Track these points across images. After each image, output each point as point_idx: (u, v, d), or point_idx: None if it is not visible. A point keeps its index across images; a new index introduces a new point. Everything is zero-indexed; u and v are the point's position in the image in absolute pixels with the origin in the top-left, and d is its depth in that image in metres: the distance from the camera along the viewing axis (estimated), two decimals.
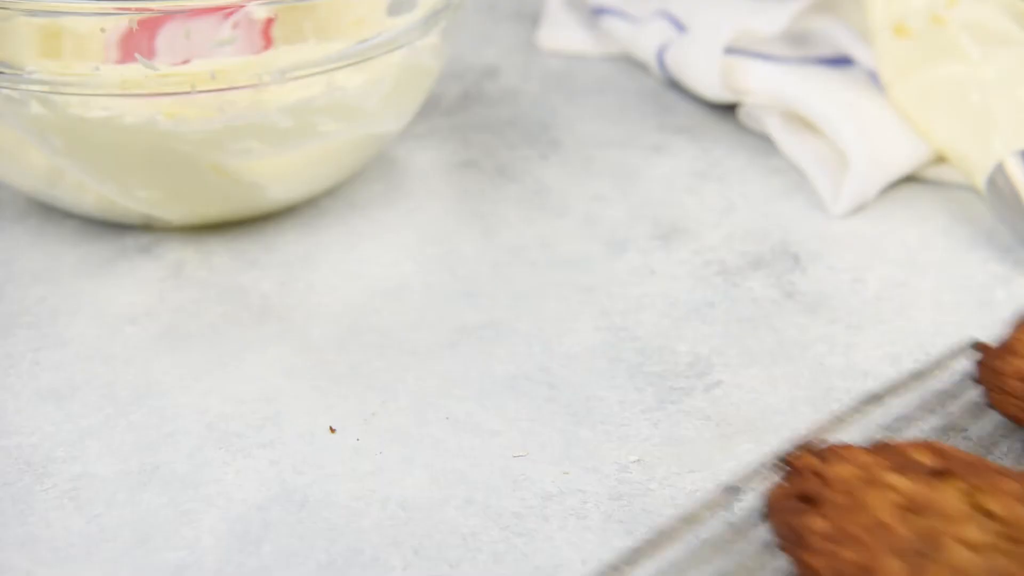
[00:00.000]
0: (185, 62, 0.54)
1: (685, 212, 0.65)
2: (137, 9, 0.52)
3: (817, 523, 0.37)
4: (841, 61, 0.75)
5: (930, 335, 0.55)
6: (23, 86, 0.53)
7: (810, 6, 0.76)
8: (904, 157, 0.68)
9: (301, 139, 0.59)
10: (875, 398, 0.45)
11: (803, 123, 0.72)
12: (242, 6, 0.54)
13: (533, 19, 0.94)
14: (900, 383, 0.46)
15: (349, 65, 0.57)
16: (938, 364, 0.48)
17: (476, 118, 0.78)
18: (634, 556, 0.38)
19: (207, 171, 0.58)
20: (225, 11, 0.54)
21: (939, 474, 0.39)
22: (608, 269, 0.60)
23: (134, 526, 0.44)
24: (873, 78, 0.73)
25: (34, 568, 0.42)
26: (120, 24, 0.53)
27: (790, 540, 0.37)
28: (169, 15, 0.53)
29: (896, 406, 0.47)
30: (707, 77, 0.76)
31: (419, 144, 0.74)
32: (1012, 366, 0.45)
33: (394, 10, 0.60)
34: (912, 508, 0.37)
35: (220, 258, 0.61)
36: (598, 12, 0.87)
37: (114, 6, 0.52)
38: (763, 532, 0.40)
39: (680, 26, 0.80)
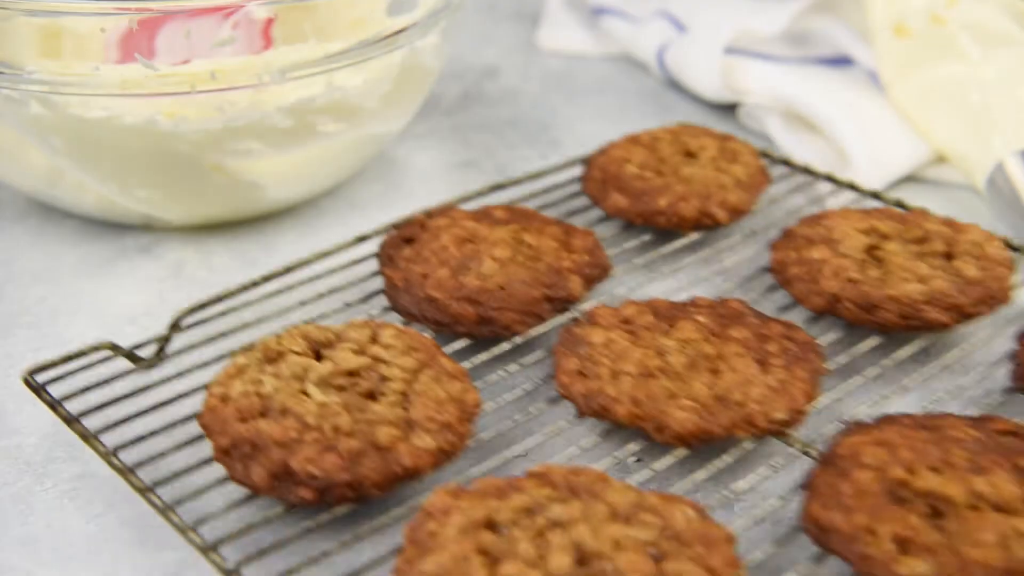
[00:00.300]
0: (185, 62, 0.54)
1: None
2: (137, 9, 0.52)
3: (405, 252, 0.54)
4: (841, 61, 0.75)
5: None
6: (23, 86, 0.53)
7: (810, 6, 0.76)
8: (904, 157, 0.68)
9: (301, 139, 0.59)
10: (499, 185, 0.62)
11: (803, 123, 0.72)
12: (242, 6, 0.54)
13: (533, 19, 0.94)
14: (518, 179, 0.63)
15: (349, 65, 0.57)
16: (557, 167, 0.65)
17: (476, 118, 0.78)
18: (272, 273, 0.54)
19: (207, 171, 0.58)
20: (225, 11, 0.54)
21: (503, 221, 0.55)
22: None
23: (134, 526, 0.44)
24: (873, 78, 0.73)
25: (34, 568, 0.42)
26: (120, 24, 0.53)
27: (384, 263, 0.54)
28: (169, 15, 0.53)
29: (517, 193, 0.64)
30: (707, 77, 0.76)
31: (419, 144, 0.74)
32: (598, 162, 0.63)
33: (394, 10, 0.60)
34: (469, 239, 0.53)
35: (220, 258, 0.61)
36: (598, 12, 0.87)
37: (114, 6, 0.52)
38: (374, 264, 0.57)
39: (680, 26, 0.80)
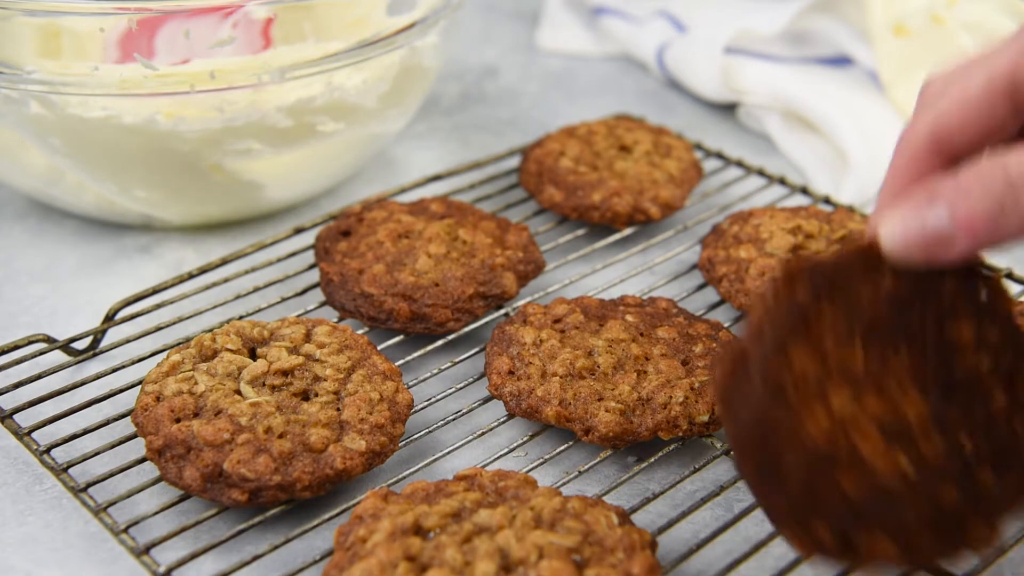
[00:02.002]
0: (184, 62, 0.54)
1: (686, 211, 0.65)
2: (137, 9, 0.52)
3: (342, 245, 0.55)
4: (841, 61, 0.75)
5: None
6: (23, 86, 0.53)
7: (810, 6, 0.76)
8: None
9: (301, 139, 0.59)
10: (437, 176, 0.64)
11: (803, 123, 0.72)
12: (241, 6, 0.54)
13: (533, 19, 0.94)
14: (456, 169, 0.64)
15: (348, 65, 0.57)
16: (496, 157, 0.66)
17: (476, 118, 0.78)
18: (208, 265, 0.55)
19: (206, 171, 0.58)
20: (224, 11, 0.54)
21: (439, 216, 0.56)
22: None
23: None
24: (873, 78, 0.73)
25: (34, 568, 0.42)
26: (119, 24, 0.53)
27: (320, 256, 0.55)
28: (168, 15, 0.53)
29: (456, 183, 0.65)
30: (707, 77, 0.76)
31: (419, 144, 0.74)
32: (534, 154, 0.64)
33: (394, 10, 0.60)
34: (405, 234, 0.54)
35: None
36: (598, 12, 0.87)
37: (114, 6, 0.52)
38: (310, 256, 0.58)
39: (680, 26, 0.80)
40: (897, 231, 0.33)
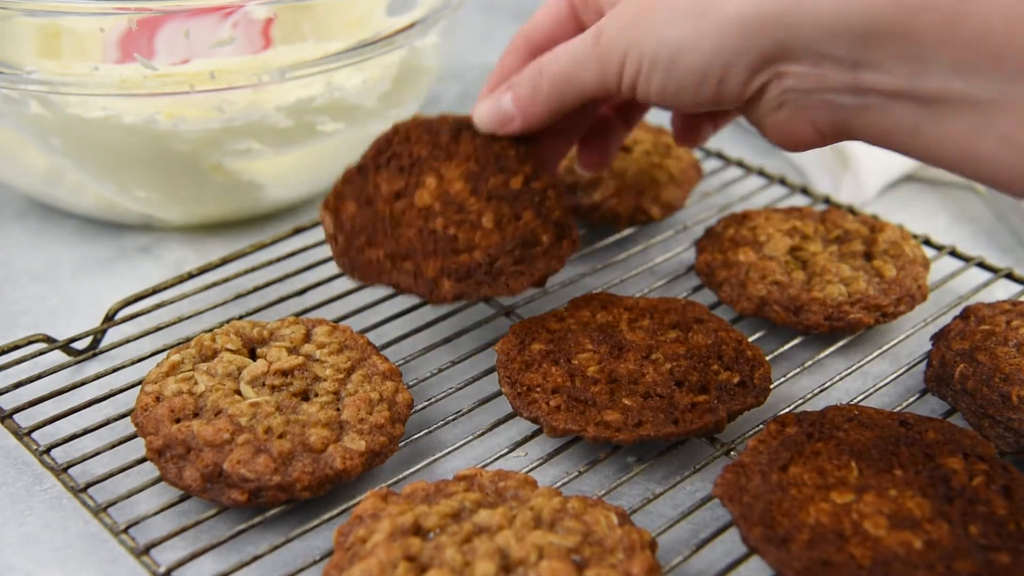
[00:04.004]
0: (184, 62, 0.54)
1: (686, 211, 0.65)
2: (137, 9, 0.52)
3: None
4: None
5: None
6: (23, 86, 0.53)
7: None
8: (904, 157, 0.68)
9: (301, 139, 0.59)
10: None
11: None
12: (242, 6, 0.54)
13: None
14: None
15: (348, 65, 0.57)
16: None
17: None
18: (208, 265, 0.55)
19: (206, 171, 0.58)
20: (225, 11, 0.54)
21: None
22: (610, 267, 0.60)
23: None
24: None
25: (34, 568, 0.42)
26: (119, 24, 0.53)
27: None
28: (169, 15, 0.53)
29: None
30: None
31: None
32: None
33: (393, 10, 0.60)
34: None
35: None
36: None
37: (114, 6, 0.52)
38: (310, 256, 0.58)
39: None
40: (482, 111, 0.46)
